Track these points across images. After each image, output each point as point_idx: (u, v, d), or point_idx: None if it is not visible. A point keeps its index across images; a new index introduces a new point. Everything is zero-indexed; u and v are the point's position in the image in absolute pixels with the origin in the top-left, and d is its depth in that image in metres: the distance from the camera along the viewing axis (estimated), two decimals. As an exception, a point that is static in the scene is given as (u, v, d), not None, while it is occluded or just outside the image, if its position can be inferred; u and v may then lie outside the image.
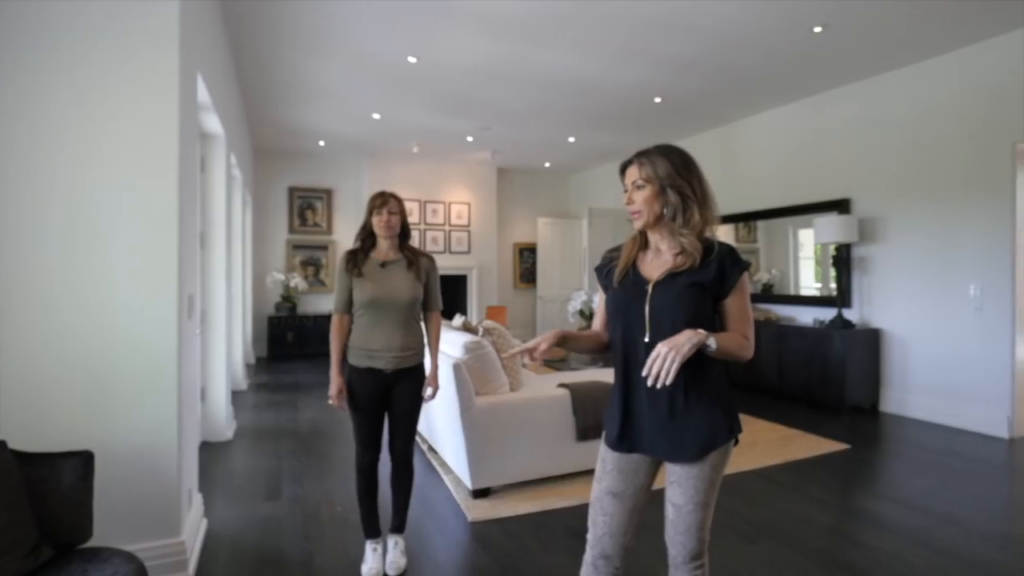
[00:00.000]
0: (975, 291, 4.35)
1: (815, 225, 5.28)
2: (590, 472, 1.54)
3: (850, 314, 5.20)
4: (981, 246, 4.32)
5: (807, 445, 4.02)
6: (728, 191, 6.44)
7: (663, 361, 1.24)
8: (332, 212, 8.64)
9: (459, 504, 3.02)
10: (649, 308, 1.40)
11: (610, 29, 4.15)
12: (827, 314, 5.31)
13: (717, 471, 1.40)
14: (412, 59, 4.70)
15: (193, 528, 2.45)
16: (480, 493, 3.09)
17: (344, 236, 8.57)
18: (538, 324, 9.55)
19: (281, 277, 7.96)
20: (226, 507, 3.00)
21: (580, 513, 2.12)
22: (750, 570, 2.35)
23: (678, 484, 1.40)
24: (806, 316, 5.66)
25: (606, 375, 3.75)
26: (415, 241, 7.98)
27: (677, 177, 1.41)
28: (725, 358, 1.35)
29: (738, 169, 6.54)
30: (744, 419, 4.53)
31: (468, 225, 9.18)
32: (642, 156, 1.45)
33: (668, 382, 1.24)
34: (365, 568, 2.32)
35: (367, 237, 2.38)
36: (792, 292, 5.97)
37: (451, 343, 3.34)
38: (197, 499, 2.68)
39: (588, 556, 1.51)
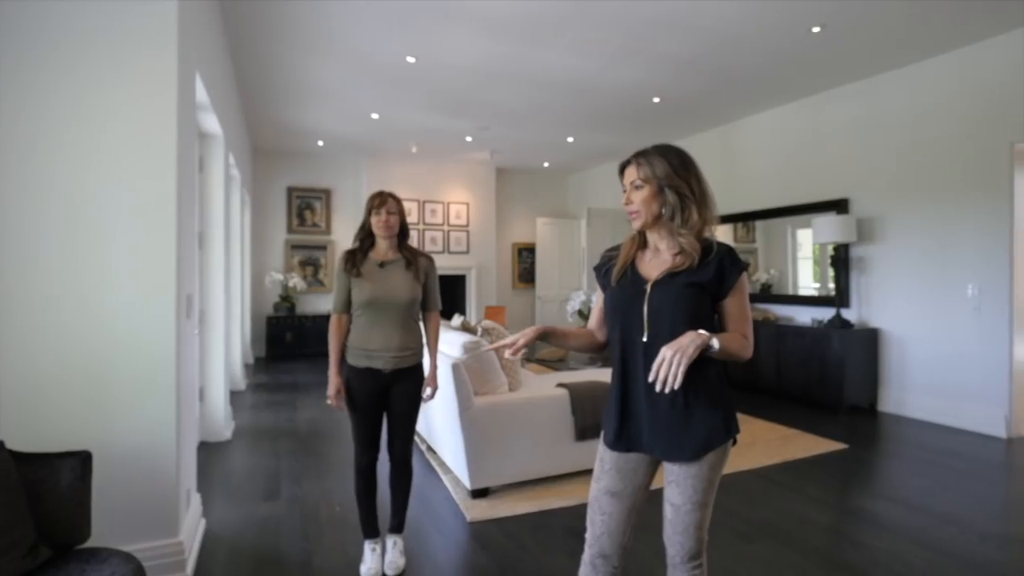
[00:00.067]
0: (973, 291, 4.36)
1: (814, 225, 5.29)
2: (589, 472, 1.55)
3: (848, 314, 5.21)
4: (979, 246, 4.33)
5: (805, 445, 4.03)
6: (727, 191, 6.44)
7: (669, 365, 1.24)
8: (331, 212, 8.63)
9: (458, 504, 3.03)
10: (647, 308, 1.40)
11: (609, 29, 4.15)
12: (825, 314, 5.32)
13: (715, 471, 1.40)
14: (411, 59, 4.70)
15: (191, 528, 2.45)
16: (479, 493, 3.09)
17: (343, 236, 8.56)
18: (536, 324, 9.53)
19: (280, 277, 7.96)
20: (224, 507, 3.00)
21: (579, 513, 2.13)
22: (748, 570, 2.36)
23: (676, 484, 1.40)
24: (804, 316, 5.66)
25: (605, 375, 3.75)
26: (414, 241, 7.99)
27: (675, 177, 1.41)
28: (726, 358, 1.35)
29: (737, 169, 6.54)
30: (743, 419, 4.54)
31: (467, 225, 9.18)
32: (640, 156, 1.45)
33: (676, 386, 1.24)
34: (364, 568, 2.32)
35: (366, 237, 2.38)
36: (790, 292, 5.98)
37: (450, 343, 3.34)
38: (195, 499, 2.68)
39: (586, 555, 1.51)
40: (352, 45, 4.44)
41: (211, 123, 3.73)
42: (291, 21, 4.03)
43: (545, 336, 1.51)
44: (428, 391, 2.42)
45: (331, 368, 2.32)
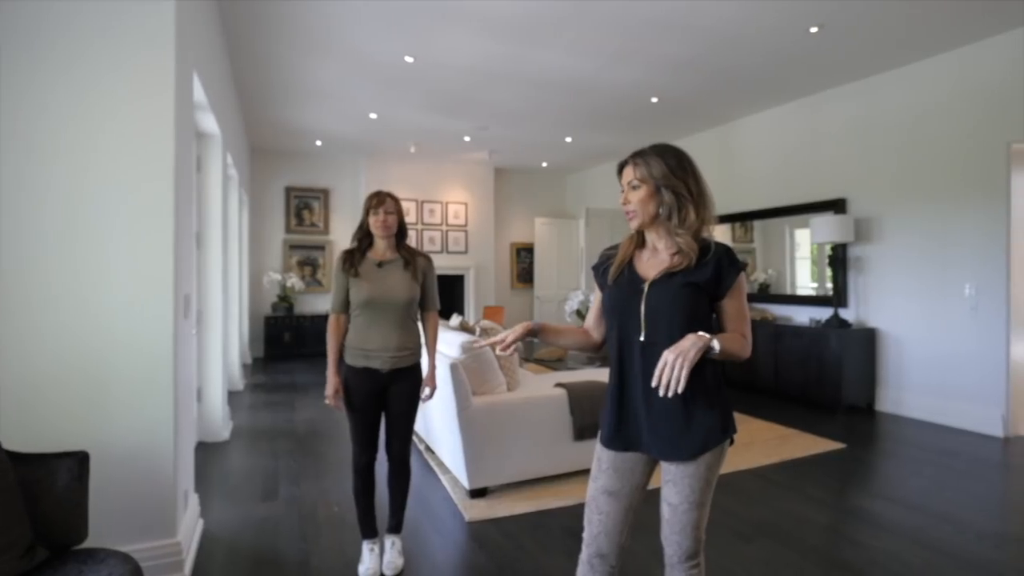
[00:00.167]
0: (970, 291, 4.37)
1: (811, 225, 5.30)
2: (587, 472, 1.55)
3: (846, 314, 5.22)
4: (976, 246, 4.34)
5: (803, 444, 4.03)
6: (725, 191, 6.45)
7: (671, 369, 1.24)
8: (329, 212, 8.63)
9: (456, 504, 3.03)
10: (645, 307, 1.40)
11: (607, 29, 4.15)
12: (823, 314, 5.33)
13: (712, 470, 1.40)
14: (409, 59, 4.70)
15: (189, 529, 2.44)
16: (477, 493, 3.09)
17: (341, 236, 8.56)
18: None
19: (278, 277, 7.95)
20: (222, 508, 2.99)
21: (577, 513, 2.13)
22: (747, 569, 2.36)
23: (673, 483, 1.40)
24: (802, 316, 5.67)
25: (603, 375, 3.75)
26: (412, 241, 7.99)
27: (672, 177, 1.41)
28: (726, 359, 1.35)
29: (735, 169, 6.55)
30: (740, 418, 4.54)
31: (465, 225, 9.18)
32: (637, 156, 1.45)
33: (680, 390, 1.24)
34: (362, 568, 2.32)
35: (364, 237, 2.37)
36: (788, 292, 5.98)
37: (448, 343, 3.34)
38: (193, 500, 2.68)
39: (584, 555, 1.51)
40: (350, 45, 4.44)
41: (209, 123, 3.72)
42: (289, 21, 4.02)
43: (535, 333, 1.51)
44: (426, 391, 2.41)
45: (329, 368, 2.32)
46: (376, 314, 2.29)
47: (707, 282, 1.39)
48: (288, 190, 8.41)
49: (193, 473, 2.79)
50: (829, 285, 5.38)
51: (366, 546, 2.37)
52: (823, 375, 5.00)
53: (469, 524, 2.80)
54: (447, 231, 9.07)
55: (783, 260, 6.09)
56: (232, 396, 5.34)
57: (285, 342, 7.93)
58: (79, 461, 1.68)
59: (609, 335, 1.51)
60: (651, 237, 1.49)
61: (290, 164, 8.41)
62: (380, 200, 2.33)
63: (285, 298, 8.06)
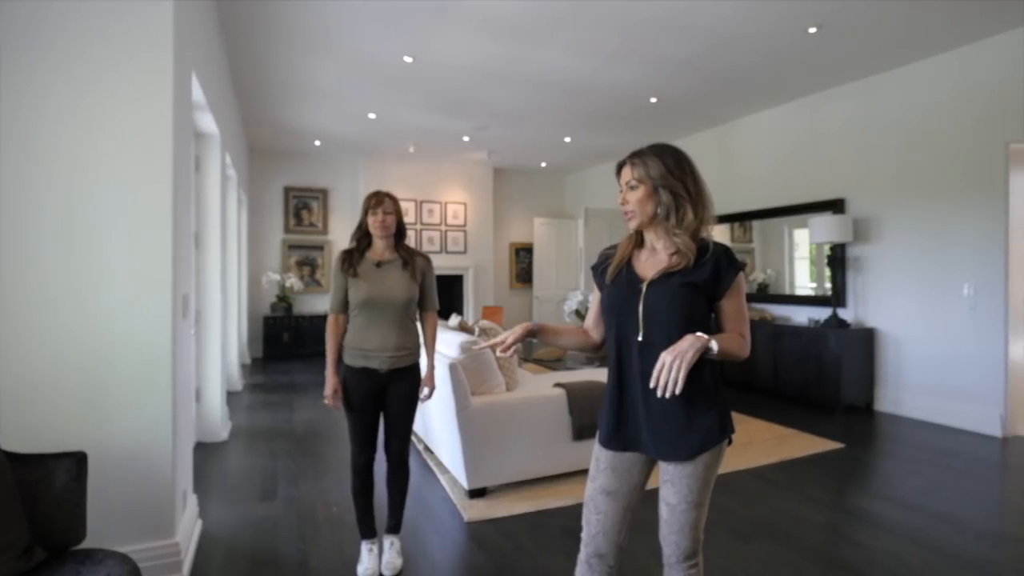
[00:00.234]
0: (969, 291, 4.38)
1: (810, 225, 5.30)
2: (586, 472, 1.55)
3: (845, 314, 5.22)
4: (975, 246, 4.35)
5: (802, 444, 4.04)
6: (724, 191, 6.45)
7: (669, 370, 1.25)
8: (328, 212, 8.62)
9: (455, 504, 3.03)
10: (643, 307, 1.40)
11: (605, 29, 4.15)
12: (822, 314, 5.33)
13: (711, 470, 1.41)
14: (408, 59, 4.69)
15: (188, 529, 2.44)
16: (476, 493, 3.09)
17: (340, 236, 8.55)
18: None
19: (277, 277, 7.94)
20: (221, 508, 2.99)
21: (576, 513, 2.13)
22: (745, 569, 2.36)
23: (672, 483, 1.41)
24: (801, 316, 5.67)
25: (602, 375, 3.75)
26: (411, 241, 7.99)
27: (670, 177, 1.41)
28: (725, 359, 1.35)
29: (734, 169, 6.56)
30: (739, 418, 4.55)
31: (464, 225, 9.18)
32: (635, 156, 1.46)
33: (678, 391, 1.24)
34: (361, 568, 2.32)
35: (363, 237, 2.37)
36: (787, 292, 5.99)
37: (447, 343, 3.34)
38: (192, 500, 2.68)
39: (582, 555, 1.51)
40: (349, 45, 4.43)
41: (207, 123, 3.72)
42: (288, 21, 4.02)
43: (535, 334, 1.51)
44: (425, 391, 2.42)
45: (328, 368, 2.32)
46: (375, 314, 2.29)
47: (705, 282, 1.39)
48: (287, 190, 8.41)
49: (192, 473, 2.79)
50: (828, 285, 5.38)
51: (365, 546, 2.37)
52: (822, 375, 5.00)
53: (468, 524, 2.80)
54: (446, 231, 9.07)
55: (782, 260, 6.09)
56: (231, 396, 5.34)
57: (284, 342, 7.92)
58: (77, 461, 1.68)
59: (608, 335, 1.51)
60: (650, 237, 1.49)
61: (289, 164, 8.40)
62: (379, 200, 2.32)
63: (284, 298, 8.05)
